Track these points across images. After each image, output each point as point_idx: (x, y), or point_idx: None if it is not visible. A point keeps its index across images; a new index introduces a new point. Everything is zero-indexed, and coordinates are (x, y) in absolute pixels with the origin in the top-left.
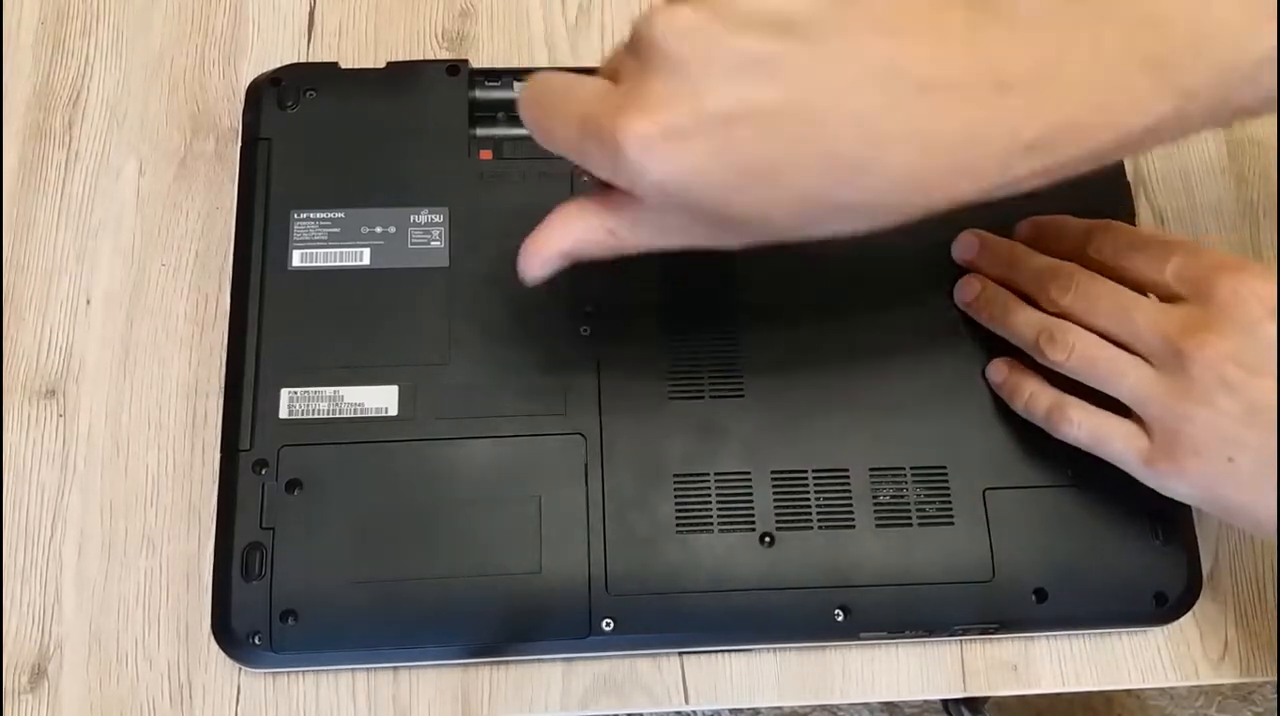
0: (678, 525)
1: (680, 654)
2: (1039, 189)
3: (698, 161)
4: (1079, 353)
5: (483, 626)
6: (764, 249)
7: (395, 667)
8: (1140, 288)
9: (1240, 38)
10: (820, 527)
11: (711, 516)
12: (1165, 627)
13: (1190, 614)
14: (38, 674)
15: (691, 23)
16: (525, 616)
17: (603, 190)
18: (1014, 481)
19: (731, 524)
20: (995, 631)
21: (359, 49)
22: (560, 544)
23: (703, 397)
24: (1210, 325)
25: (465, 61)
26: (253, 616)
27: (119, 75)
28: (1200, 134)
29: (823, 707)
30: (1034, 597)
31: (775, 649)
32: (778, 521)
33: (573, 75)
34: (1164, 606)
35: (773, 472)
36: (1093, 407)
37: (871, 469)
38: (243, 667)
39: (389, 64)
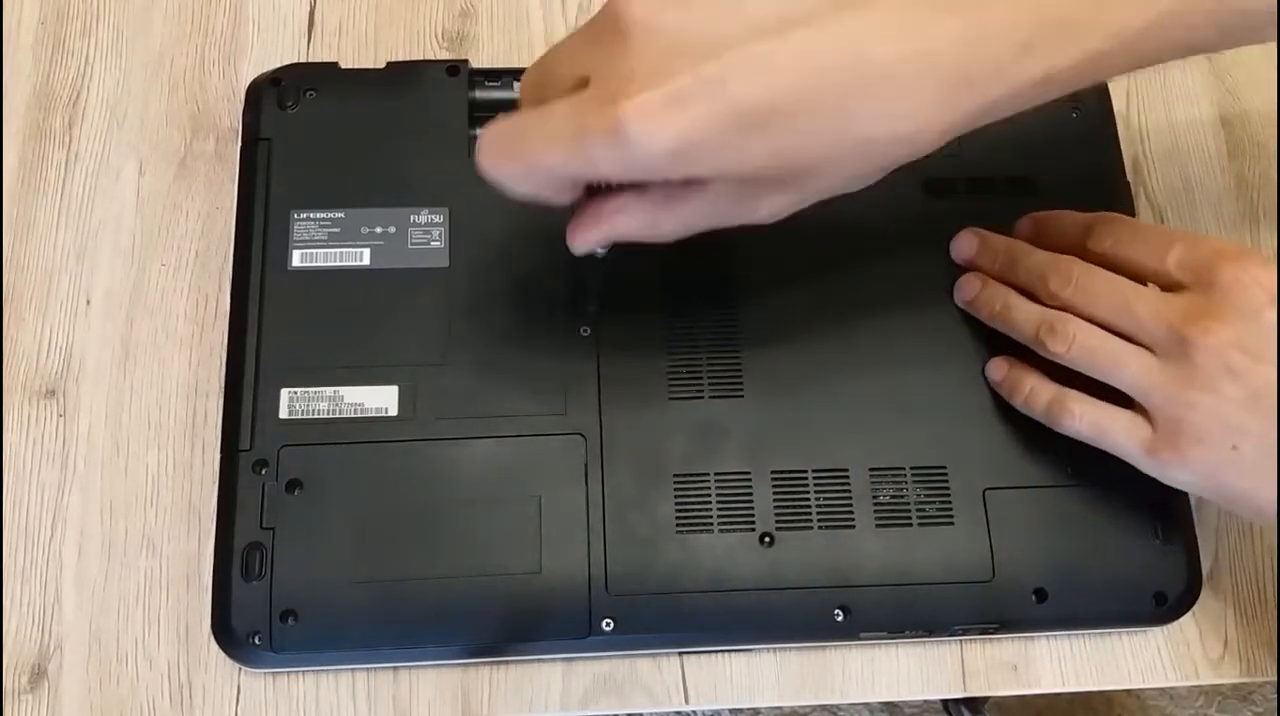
0: (678, 525)
1: (680, 654)
2: (1045, 103)
3: (704, 120)
4: (1080, 343)
5: (483, 626)
6: (764, 249)
7: (395, 667)
8: (1141, 278)
9: None
10: (820, 527)
11: (711, 516)
12: (1165, 627)
13: (1190, 614)
14: (38, 674)
15: None
16: (525, 616)
17: (636, 186)
18: (1014, 481)
19: (731, 524)
20: (995, 631)
21: (359, 49)
22: (560, 544)
23: (703, 397)
24: (1213, 312)
25: (465, 61)
26: (253, 616)
27: (119, 75)
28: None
29: (823, 707)
30: (1034, 597)
31: (775, 649)
32: (778, 521)
33: (525, 111)
34: (1164, 606)
35: (773, 472)
36: (1093, 399)
37: (871, 469)
38: (243, 667)
39: (389, 64)
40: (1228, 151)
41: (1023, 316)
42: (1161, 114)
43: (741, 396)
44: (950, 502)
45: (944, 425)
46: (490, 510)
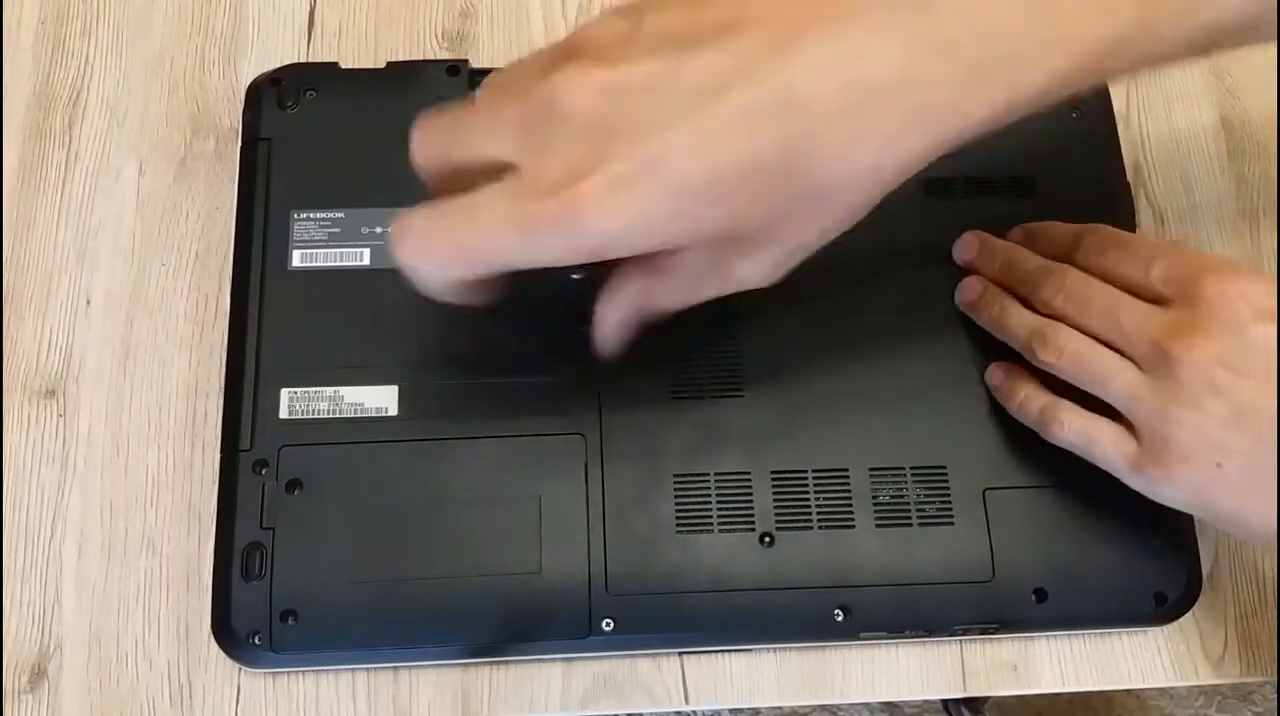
0: (678, 525)
1: (680, 654)
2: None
3: (650, 200)
4: (1069, 354)
5: (483, 626)
6: None
7: (395, 667)
8: (1129, 291)
9: None
10: (820, 527)
11: (711, 516)
12: (1165, 627)
13: (1190, 614)
14: (38, 674)
15: (601, 79)
16: (525, 616)
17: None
18: (1014, 481)
19: (731, 524)
20: (995, 631)
21: (359, 49)
22: (560, 544)
23: (703, 397)
24: (1197, 327)
25: (465, 61)
26: (253, 616)
27: (119, 75)
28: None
29: (823, 707)
30: (1034, 597)
31: (775, 649)
32: (778, 521)
33: (450, 200)
34: (1164, 606)
35: (773, 472)
36: (1083, 410)
37: (871, 469)
38: (243, 667)
39: (389, 64)
40: (1228, 152)
41: (1017, 323)
42: (1161, 114)
43: (741, 396)
44: (950, 502)
45: (944, 425)
46: (490, 510)
